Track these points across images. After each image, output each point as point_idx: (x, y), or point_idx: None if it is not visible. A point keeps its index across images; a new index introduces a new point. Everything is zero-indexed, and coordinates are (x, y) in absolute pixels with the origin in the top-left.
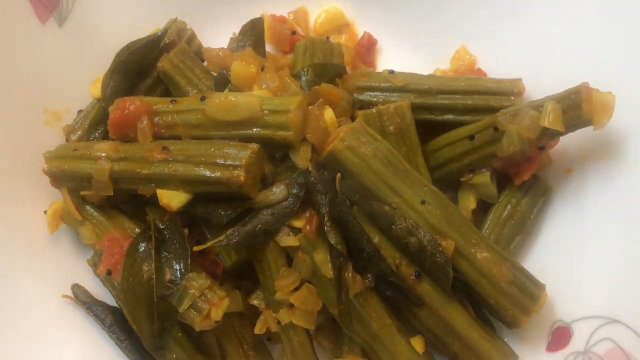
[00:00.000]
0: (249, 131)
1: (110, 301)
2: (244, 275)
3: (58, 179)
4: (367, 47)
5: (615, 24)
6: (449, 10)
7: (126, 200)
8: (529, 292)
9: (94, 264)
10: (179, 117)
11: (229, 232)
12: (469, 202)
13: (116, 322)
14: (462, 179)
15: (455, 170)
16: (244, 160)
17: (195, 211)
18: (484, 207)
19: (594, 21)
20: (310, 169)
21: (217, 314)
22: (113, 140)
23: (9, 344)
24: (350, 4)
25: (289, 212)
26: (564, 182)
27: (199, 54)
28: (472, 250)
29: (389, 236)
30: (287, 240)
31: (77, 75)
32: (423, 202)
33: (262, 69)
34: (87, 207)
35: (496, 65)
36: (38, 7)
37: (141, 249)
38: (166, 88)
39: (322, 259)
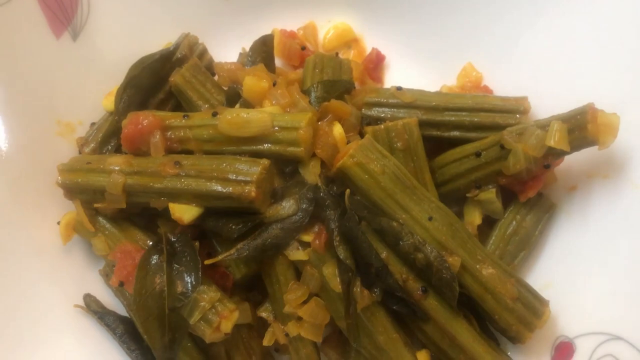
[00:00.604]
0: (260, 147)
1: (122, 311)
2: (253, 288)
3: (72, 191)
4: (375, 63)
5: (621, 46)
6: (456, 27)
7: (138, 213)
8: (532, 308)
9: (106, 275)
10: (191, 132)
11: (239, 245)
12: (474, 217)
13: (127, 332)
14: (468, 195)
15: (461, 186)
16: (255, 176)
17: (206, 225)
18: (489, 223)
19: (601, 42)
20: (319, 184)
21: (227, 326)
22: (126, 153)
23: (20, 352)
24: (359, 19)
25: (298, 226)
26: (568, 200)
27: (210, 68)
28: (478, 266)
29: (396, 252)
30: (296, 254)
31: (90, 88)
32: (430, 219)
33: (274, 85)
34: (100, 219)
35: (502, 83)
36: (53, 22)
37: (153, 262)
38: (178, 102)
39: (331, 273)
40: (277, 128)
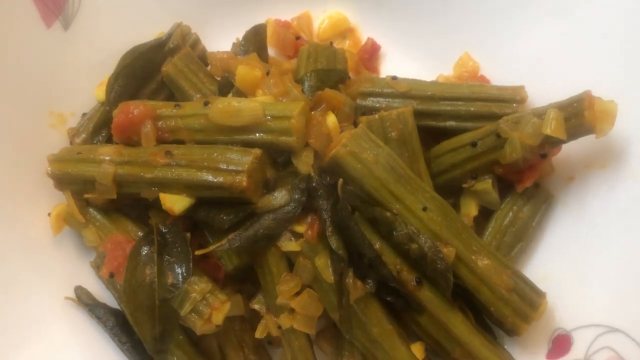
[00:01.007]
0: (251, 136)
1: (113, 303)
2: (245, 280)
3: (62, 181)
4: (371, 53)
5: (618, 34)
6: (452, 16)
7: (129, 204)
8: (529, 300)
9: (97, 266)
10: (182, 121)
11: (230, 236)
12: (470, 208)
13: (118, 324)
14: (464, 186)
15: (457, 176)
16: (246, 166)
17: (197, 215)
18: (485, 214)
19: (597, 30)
20: (312, 174)
21: (218, 318)
22: (117, 143)
23: (10, 344)
24: (354, 9)
25: (291, 217)
26: (566, 190)
27: (203, 58)
28: (473, 257)
29: (390, 242)
30: (289, 245)
31: (82, 78)
32: (424, 209)
33: (268, 74)
34: (91, 210)
35: (499, 72)
36: (44, 11)
37: (144, 252)
38: (170, 92)
39: (323, 264)
40: (269, 117)
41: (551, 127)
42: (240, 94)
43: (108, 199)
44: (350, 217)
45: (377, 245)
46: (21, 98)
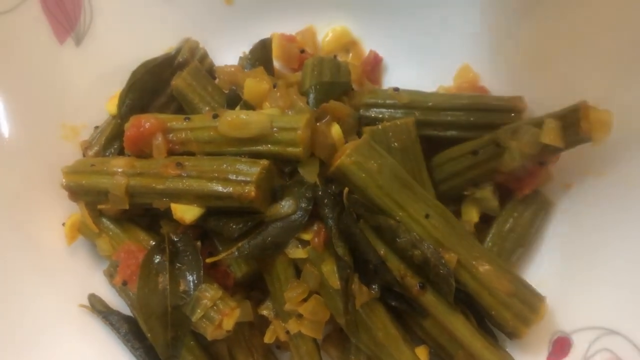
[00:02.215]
0: (259, 147)
1: (125, 310)
2: (254, 286)
3: (76, 193)
4: (373, 65)
5: (615, 43)
6: (452, 29)
7: (141, 214)
8: (529, 304)
9: (110, 275)
10: (192, 134)
11: (239, 244)
12: (472, 215)
13: (131, 330)
14: (465, 193)
15: (458, 184)
16: (254, 176)
17: (207, 224)
18: (486, 221)
19: (594, 40)
20: (318, 183)
21: (228, 324)
22: (129, 156)
23: (26, 352)
24: (357, 23)
25: (298, 225)
26: (564, 197)
27: (211, 72)
28: (474, 262)
29: (394, 248)
30: (296, 252)
31: (94, 92)
32: (427, 216)
33: (275, 86)
34: (104, 220)
35: (498, 83)
36: (57, 28)
37: (156, 261)
38: (179, 105)
39: (330, 271)
40: (275, 129)
41: (549, 136)
42: (247, 106)
43: (121, 209)
44: (355, 225)
45: (382, 251)
46: (35, 111)
